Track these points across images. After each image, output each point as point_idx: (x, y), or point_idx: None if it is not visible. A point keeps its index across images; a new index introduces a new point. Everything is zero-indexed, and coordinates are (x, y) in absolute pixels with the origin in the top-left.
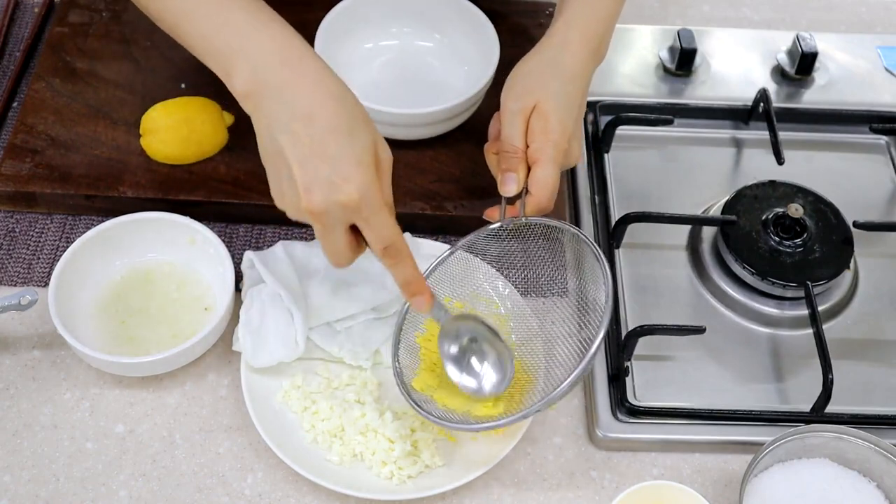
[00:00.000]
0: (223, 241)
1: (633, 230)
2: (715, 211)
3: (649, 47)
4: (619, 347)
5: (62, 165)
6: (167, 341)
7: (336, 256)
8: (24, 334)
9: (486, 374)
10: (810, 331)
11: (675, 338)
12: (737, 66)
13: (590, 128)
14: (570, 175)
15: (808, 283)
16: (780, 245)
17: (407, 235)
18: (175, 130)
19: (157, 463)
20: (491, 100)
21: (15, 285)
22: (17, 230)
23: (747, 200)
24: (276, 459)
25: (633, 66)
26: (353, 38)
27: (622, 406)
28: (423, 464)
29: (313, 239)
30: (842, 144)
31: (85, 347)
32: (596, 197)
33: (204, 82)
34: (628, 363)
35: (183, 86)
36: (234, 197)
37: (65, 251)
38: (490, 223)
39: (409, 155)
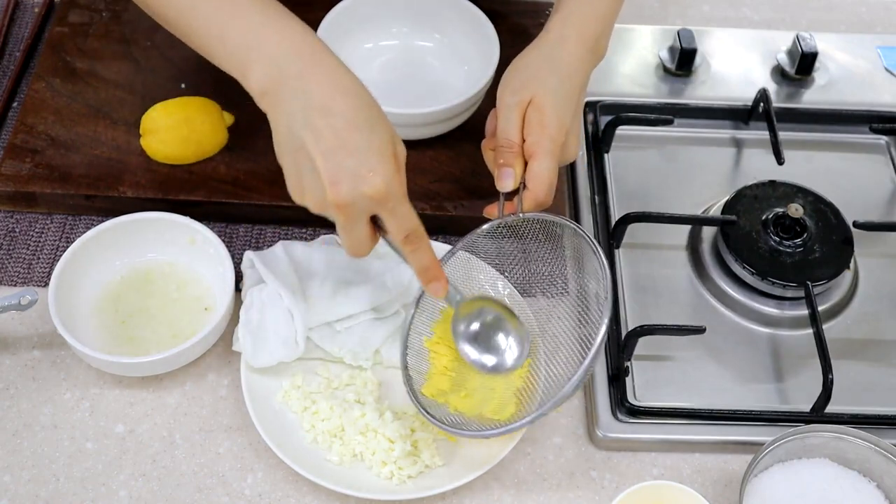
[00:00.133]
0: (223, 241)
1: (633, 230)
2: (715, 211)
3: (649, 47)
4: (619, 347)
5: (62, 165)
6: (167, 341)
7: (357, 247)
8: (24, 334)
9: (509, 349)
10: (810, 331)
11: (675, 338)
12: (737, 66)
13: (590, 128)
14: (570, 175)
15: (808, 283)
16: (780, 245)
17: None
18: (175, 130)
19: (157, 463)
20: (491, 100)
21: (15, 285)
22: (17, 230)
23: (747, 200)
24: (276, 459)
25: (633, 66)
26: (353, 38)
27: (622, 406)
28: (423, 464)
29: (313, 239)
30: (842, 144)
31: (85, 347)
32: (596, 197)
33: (204, 82)
34: (628, 363)
35: (183, 86)
36: (234, 197)
37: (65, 251)
38: (488, 220)
39: (409, 155)
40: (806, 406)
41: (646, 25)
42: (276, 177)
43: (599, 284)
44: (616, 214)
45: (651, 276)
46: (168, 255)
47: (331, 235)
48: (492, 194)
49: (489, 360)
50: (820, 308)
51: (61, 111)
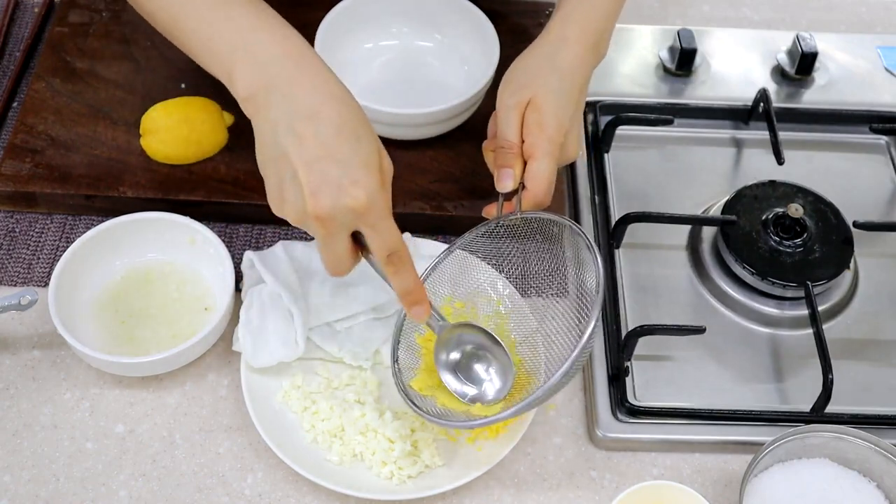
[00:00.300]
0: (223, 241)
1: (633, 230)
2: (715, 211)
3: (649, 47)
4: (619, 347)
5: (62, 165)
6: (167, 341)
7: (336, 264)
8: (24, 334)
9: (490, 382)
10: (810, 331)
11: (675, 338)
12: (737, 66)
13: (590, 128)
14: (570, 175)
15: (808, 283)
16: (780, 245)
17: (406, 235)
18: (175, 130)
19: (157, 463)
20: (491, 100)
21: (15, 285)
22: (17, 230)
23: (747, 200)
24: (276, 459)
25: (633, 66)
26: (353, 38)
27: (622, 406)
28: (423, 464)
29: (314, 239)
30: (842, 144)
31: (85, 347)
32: (596, 197)
33: (204, 82)
34: (628, 363)
35: (183, 86)
36: (234, 197)
37: (65, 251)
38: (487, 219)
39: (409, 155)
40: (806, 406)
41: (646, 25)
42: None
43: (592, 280)
44: (616, 214)
45: (651, 276)
46: (168, 255)
47: None
48: (492, 194)
49: (470, 390)
50: (820, 308)
51: (61, 111)
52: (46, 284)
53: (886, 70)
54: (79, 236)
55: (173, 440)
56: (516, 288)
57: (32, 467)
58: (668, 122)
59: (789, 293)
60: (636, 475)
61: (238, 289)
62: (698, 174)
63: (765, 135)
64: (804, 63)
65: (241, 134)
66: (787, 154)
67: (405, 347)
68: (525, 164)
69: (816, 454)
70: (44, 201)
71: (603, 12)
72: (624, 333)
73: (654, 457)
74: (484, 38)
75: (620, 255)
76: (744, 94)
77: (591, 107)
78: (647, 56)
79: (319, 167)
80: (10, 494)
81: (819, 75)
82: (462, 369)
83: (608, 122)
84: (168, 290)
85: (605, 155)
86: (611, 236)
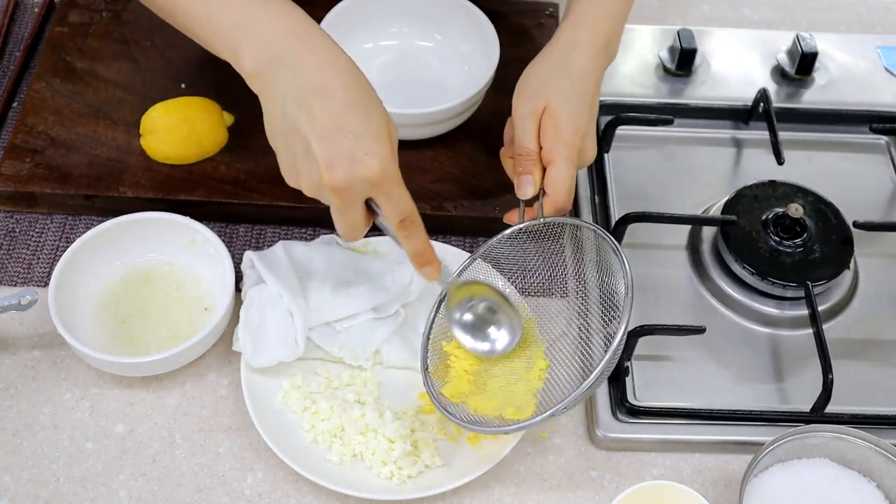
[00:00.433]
0: (223, 241)
1: (633, 230)
2: (715, 211)
3: (649, 47)
4: None
5: (62, 165)
6: (167, 341)
7: (351, 230)
8: (24, 334)
9: (499, 337)
10: (810, 331)
11: (675, 338)
12: (737, 66)
13: None
14: None
15: (808, 283)
16: (780, 245)
17: None
18: (175, 130)
19: (157, 463)
20: (491, 100)
21: (15, 285)
22: (17, 230)
23: (747, 200)
24: (276, 459)
25: (633, 66)
26: (353, 38)
27: (622, 406)
28: (423, 464)
29: (313, 239)
30: (842, 144)
31: (85, 347)
32: (596, 197)
33: (204, 82)
34: (628, 363)
35: (183, 86)
36: (234, 197)
37: (65, 251)
38: (510, 226)
39: (409, 155)
40: (806, 406)
41: (646, 25)
42: (276, 177)
43: (621, 283)
44: (616, 214)
45: (651, 276)
46: (168, 255)
47: (331, 235)
48: (491, 194)
49: (482, 346)
50: (820, 308)
51: (61, 111)
52: (46, 284)
53: (886, 70)
54: (79, 236)
55: (173, 440)
56: (540, 292)
57: (32, 467)
58: (668, 122)
59: (789, 293)
60: (636, 475)
61: (238, 289)
62: (698, 174)
63: (765, 135)
64: (804, 63)
65: (241, 134)
66: (787, 154)
67: (434, 356)
68: (544, 170)
69: (816, 454)
70: (44, 201)
71: (612, 15)
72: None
73: (654, 457)
74: (484, 38)
75: None
76: (744, 94)
77: None
78: (647, 56)
79: (332, 140)
80: (10, 494)
81: (819, 75)
82: (473, 327)
83: (608, 122)
84: (168, 290)
85: (605, 155)
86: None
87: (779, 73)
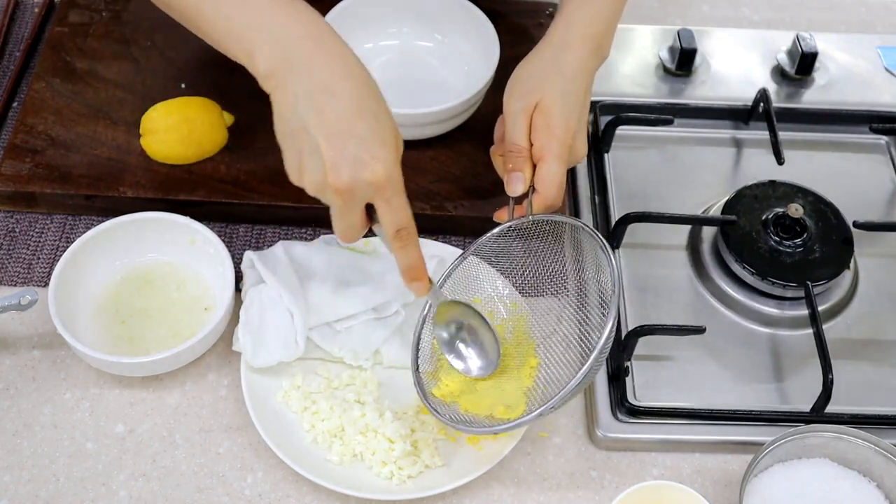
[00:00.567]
0: (223, 241)
1: (633, 230)
2: (715, 211)
3: (649, 47)
4: (619, 347)
5: (62, 165)
6: (167, 341)
7: (349, 232)
8: (24, 334)
9: (472, 359)
10: (810, 331)
11: (675, 338)
12: (737, 66)
13: (590, 128)
14: (571, 175)
15: (808, 283)
16: (780, 245)
17: None
18: (175, 130)
19: (157, 463)
20: (491, 100)
21: (15, 285)
22: (17, 230)
23: (747, 200)
24: (276, 459)
25: (633, 66)
26: (353, 38)
27: (622, 406)
28: (423, 464)
29: (313, 239)
30: (842, 144)
31: (85, 347)
32: (596, 197)
33: (204, 82)
34: (628, 363)
35: (183, 86)
36: (234, 197)
37: (65, 251)
38: (499, 224)
39: (409, 155)
40: (806, 406)
41: (646, 25)
42: (276, 177)
43: (609, 280)
44: (616, 214)
45: (651, 276)
46: (168, 255)
47: (331, 235)
48: (491, 194)
49: (458, 364)
50: (820, 308)
51: (61, 111)
52: (46, 284)
53: (886, 70)
54: (79, 236)
55: (173, 440)
56: (531, 290)
57: (32, 467)
58: (668, 122)
59: (789, 293)
60: (636, 475)
61: (238, 289)
62: (698, 174)
63: (765, 135)
64: (804, 63)
65: (241, 134)
66: (787, 154)
67: (424, 357)
68: (534, 167)
69: (816, 454)
70: (44, 201)
71: (605, 15)
72: (624, 333)
73: (654, 457)
74: (484, 38)
75: (620, 255)
76: (744, 94)
77: (592, 107)
78: (647, 56)
79: (339, 142)
80: (10, 494)
81: (819, 75)
82: (454, 346)
83: (608, 122)
84: (168, 290)
85: (605, 155)
86: (611, 236)
87: (779, 73)
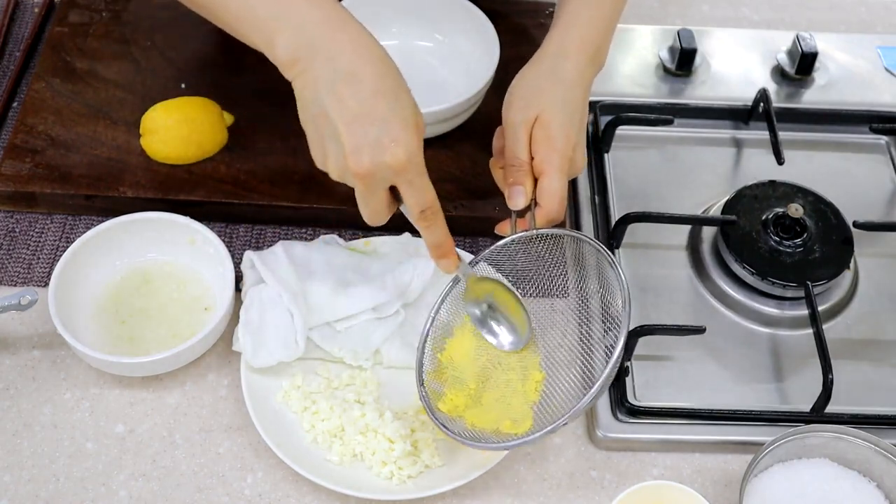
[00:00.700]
0: (223, 241)
1: (633, 230)
2: (715, 211)
3: (649, 47)
4: None
5: (62, 165)
6: (167, 341)
7: (375, 216)
8: (24, 334)
9: (503, 334)
10: (810, 331)
11: (675, 338)
12: (737, 66)
13: (590, 128)
14: None
15: (808, 283)
16: (780, 245)
17: (406, 236)
18: (175, 130)
19: (157, 463)
20: (491, 100)
21: (15, 285)
22: (17, 230)
23: (747, 200)
24: (276, 459)
25: (633, 66)
26: None
27: (622, 406)
28: (423, 464)
29: (313, 239)
30: (842, 144)
31: (85, 347)
32: (596, 197)
33: (204, 82)
34: (628, 363)
35: (183, 86)
36: (234, 197)
37: (65, 251)
38: (501, 237)
39: None
40: (806, 406)
41: (646, 25)
42: (276, 177)
43: (617, 296)
44: (616, 214)
45: (651, 276)
46: (168, 255)
47: (331, 235)
48: (491, 194)
49: (491, 339)
50: (820, 308)
51: (61, 111)
52: (46, 284)
53: (886, 70)
54: (79, 236)
55: (173, 440)
56: (535, 303)
57: (32, 467)
58: (668, 122)
59: (789, 293)
60: (636, 475)
61: (238, 289)
62: (698, 174)
63: (765, 135)
64: (804, 63)
65: (241, 134)
66: (787, 154)
67: (429, 370)
68: (535, 180)
69: (816, 454)
70: (44, 201)
71: (601, 23)
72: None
73: (654, 457)
74: (484, 38)
75: (620, 255)
76: (744, 94)
77: (592, 107)
78: (647, 56)
79: (359, 126)
80: (10, 494)
81: (819, 75)
82: (487, 322)
83: (608, 122)
84: (168, 290)
85: (605, 155)
86: (611, 236)
87: (779, 73)
